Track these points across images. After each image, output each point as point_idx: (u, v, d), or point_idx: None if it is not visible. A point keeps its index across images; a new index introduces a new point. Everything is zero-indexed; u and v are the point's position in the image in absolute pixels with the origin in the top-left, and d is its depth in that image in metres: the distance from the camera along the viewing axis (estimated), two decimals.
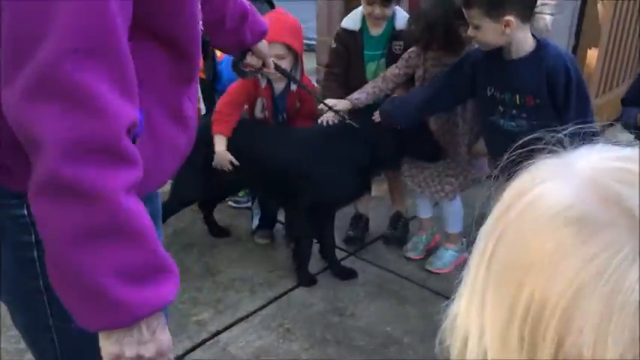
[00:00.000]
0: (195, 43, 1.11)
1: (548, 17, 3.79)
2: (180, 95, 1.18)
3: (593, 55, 4.01)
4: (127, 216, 0.90)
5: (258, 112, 3.02)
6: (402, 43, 2.92)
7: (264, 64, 1.86)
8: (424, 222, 3.24)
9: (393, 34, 2.95)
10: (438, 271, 3.06)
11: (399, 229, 3.32)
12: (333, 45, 3.04)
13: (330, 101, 2.81)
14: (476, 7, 2.24)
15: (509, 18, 2.20)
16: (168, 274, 0.98)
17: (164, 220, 3.11)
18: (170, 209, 3.03)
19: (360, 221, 3.35)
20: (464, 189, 2.96)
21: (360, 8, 2.98)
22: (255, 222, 3.37)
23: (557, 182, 0.48)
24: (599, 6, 3.91)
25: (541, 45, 2.32)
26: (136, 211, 0.92)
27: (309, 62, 4.01)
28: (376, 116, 2.75)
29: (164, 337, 1.01)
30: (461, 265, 2.87)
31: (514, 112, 2.39)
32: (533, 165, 0.53)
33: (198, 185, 2.98)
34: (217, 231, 3.38)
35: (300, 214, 2.84)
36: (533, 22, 3.68)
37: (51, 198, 0.88)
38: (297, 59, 2.88)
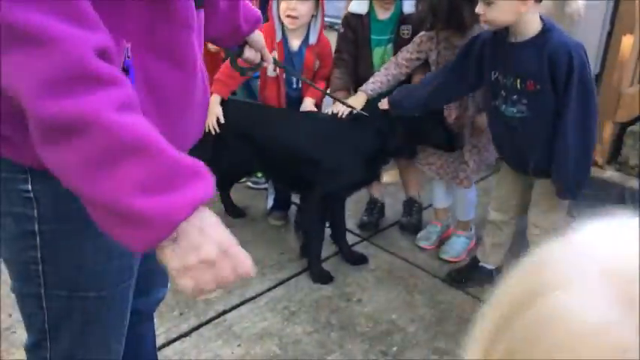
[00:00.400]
0: None
1: (581, 2, 3.65)
2: (177, 40, 1.15)
3: (628, 42, 3.84)
4: (124, 132, 0.89)
5: (270, 71, 2.95)
6: (410, 27, 2.86)
7: (262, 58, 1.81)
8: (439, 212, 3.20)
9: (400, 19, 2.88)
10: (452, 259, 3.04)
11: (414, 216, 3.29)
12: (341, 30, 2.98)
13: (347, 100, 2.78)
14: None
15: None
16: (195, 176, 0.97)
17: None
18: None
19: (375, 207, 3.33)
20: (479, 175, 2.91)
21: None
22: (270, 202, 3.38)
23: (576, 290, 0.40)
24: None
25: (546, 29, 2.23)
26: (133, 124, 0.91)
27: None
28: (383, 103, 2.72)
29: (216, 231, 1.01)
30: (472, 251, 2.85)
31: (515, 97, 2.32)
32: (536, 253, 0.45)
33: (209, 167, 2.99)
34: (233, 211, 3.41)
35: (312, 204, 2.82)
36: (563, 7, 3.61)
37: (49, 144, 0.89)
38: (317, 4, 2.86)
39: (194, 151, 3.17)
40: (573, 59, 2.16)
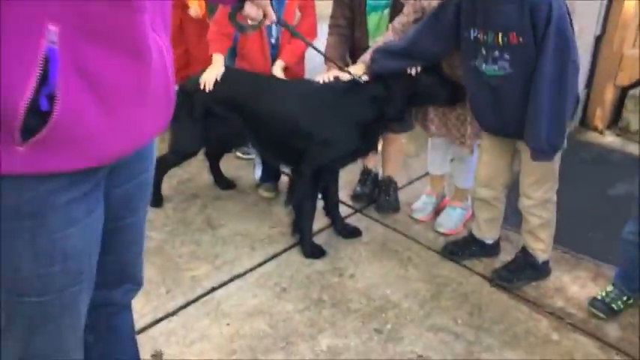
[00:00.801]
0: None
1: None
2: (121, 24, 1.03)
3: (629, 3, 3.70)
4: None
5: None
6: None
7: (264, 16, 1.68)
8: (435, 180, 3.10)
9: None
10: (448, 232, 2.96)
11: (392, 195, 3.15)
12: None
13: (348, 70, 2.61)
14: None
15: None
16: None
17: (164, 173, 3.08)
18: (170, 162, 2.95)
19: (368, 177, 3.23)
20: (479, 137, 2.75)
21: None
22: (258, 173, 3.28)
23: None
24: None
25: None
26: None
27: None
28: (358, 67, 2.59)
29: None
30: (469, 222, 2.76)
31: (496, 53, 2.22)
32: None
33: (197, 137, 2.87)
34: (222, 182, 3.31)
35: (304, 177, 2.68)
36: None
37: None
38: None
39: (182, 122, 3.02)
40: (552, 10, 2.09)
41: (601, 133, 4.03)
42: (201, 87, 2.73)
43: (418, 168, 3.51)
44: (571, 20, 2.17)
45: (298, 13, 2.80)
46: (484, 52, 2.27)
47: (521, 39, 2.15)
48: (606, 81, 3.91)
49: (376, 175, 3.26)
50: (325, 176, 2.75)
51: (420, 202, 3.13)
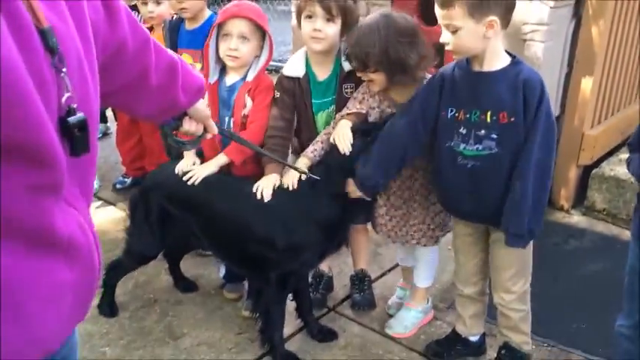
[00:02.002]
0: (49, 145, 0.81)
1: (539, 44, 3.54)
2: (48, 213, 0.86)
3: (587, 83, 3.75)
4: None
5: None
6: (353, 84, 2.56)
7: (205, 129, 1.52)
8: (407, 271, 2.92)
9: (341, 77, 2.56)
10: (398, 336, 2.74)
11: (367, 290, 2.94)
12: (277, 94, 2.59)
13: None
14: (457, 6, 1.99)
15: (494, 18, 1.99)
16: None
17: (119, 279, 2.82)
18: (125, 266, 2.71)
19: (321, 281, 2.98)
20: (442, 232, 2.63)
21: (302, 50, 2.61)
22: (222, 271, 3.04)
23: None
24: (593, 31, 3.67)
25: (517, 60, 2.13)
26: None
27: None
28: (350, 185, 2.37)
29: None
30: (426, 327, 2.53)
31: (482, 132, 2.12)
32: None
33: (155, 240, 2.65)
34: (183, 285, 3.06)
35: (270, 286, 2.44)
36: (523, 51, 3.48)
37: None
38: (263, 40, 2.55)
39: (139, 224, 2.75)
40: (544, 89, 2.07)
41: (567, 212, 3.99)
42: (190, 182, 2.48)
43: (391, 257, 3.34)
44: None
45: (248, 99, 2.56)
46: (463, 131, 2.15)
47: (512, 119, 2.07)
48: (569, 160, 3.91)
49: (330, 277, 3.04)
50: (294, 281, 2.53)
51: (394, 297, 2.95)
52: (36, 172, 0.80)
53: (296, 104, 2.60)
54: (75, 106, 0.87)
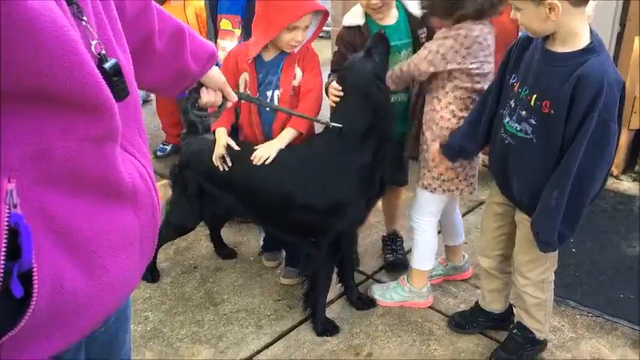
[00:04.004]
0: (101, 92, 0.81)
1: (590, 2, 3.36)
2: (112, 162, 0.87)
3: None
4: None
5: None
6: (425, 30, 2.55)
7: (224, 97, 1.47)
8: (447, 250, 2.87)
9: (412, 22, 2.55)
10: (376, 299, 2.69)
11: (400, 251, 2.96)
12: (336, 48, 2.60)
13: None
14: None
15: (554, 1, 1.74)
16: None
17: (158, 248, 2.86)
18: (164, 236, 2.73)
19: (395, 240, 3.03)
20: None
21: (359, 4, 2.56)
22: (261, 240, 3.06)
23: None
24: None
25: (590, 48, 1.82)
26: None
27: (326, 52, 3.67)
28: (435, 154, 2.33)
29: None
30: (466, 296, 2.40)
31: (524, 113, 1.97)
32: None
33: (193, 214, 2.66)
34: (223, 251, 3.09)
35: (320, 249, 2.44)
36: None
37: None
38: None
39: (177, 197, 2.73)
40: (602, 94, 1.76)
41: (617, 178, 3.85)
42: (220, 168, 2.44)
43: None
44: (622, 105, 1.85)
45: (300, 72, 2.50)
46: (513, 104, 2.02)
47: (552, 111, 1.88)
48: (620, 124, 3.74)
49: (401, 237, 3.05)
50: (345, 243, 2.52)
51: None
52: (96, 122, 0.81)
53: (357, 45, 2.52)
54: (104, 52, 0.87)
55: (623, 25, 3.60)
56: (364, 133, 2.32)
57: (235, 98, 1.51)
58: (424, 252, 2.63)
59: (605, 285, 2.79)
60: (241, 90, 2.48)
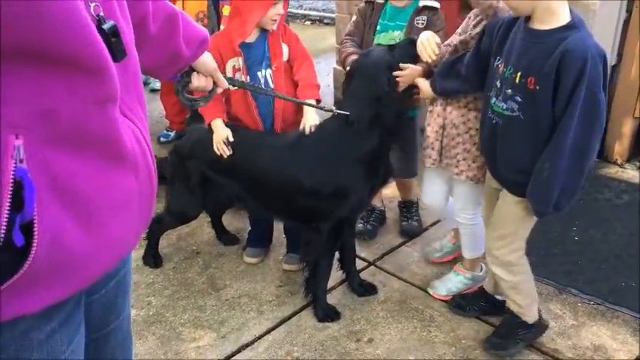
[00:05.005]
0: (100, 53, 0.83)
1: None
2: (115, 124, 0.90)
3: None
4: None
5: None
6: (424, 18, 2.70)
7: (214, 83, 1.49)
8: (455, 231, 2.87)
9: (416, 9, 2.72)
10: (438, 297, 2.68)
11: (414, 217, 3.16)
12: (354, 17, 2.85)
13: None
14: None
15: None
16: None
17: (161, 234, 2.87)
18: (166, 224, 2.74)
19: (372, 213, 3.17)
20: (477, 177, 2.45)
21: None
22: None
23: None
24: None
25: (571, 24, 1.86)
26: None
27: (330, 38, 3.66)
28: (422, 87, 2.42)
29: None
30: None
31: (509, 91, 1.99)
32: None
33: (196, 203, 2.66)
34: (225, 237, 3.10)
35: (321, 235, 2.45)
36: None
37: None
38: None
39: (179, 187, 2.74)
40: (586, 66, 1.78)
41: (621, 166, 3.84)
42: (222, 156, 2.45)
43: (434, 213, 3.30)
44: (606, 76, 1.86)
45: (286, 47, 2.56)
46: (498, 84, 2.05)
47: (538, 87, 1.89)
48: (624, 113, 3.73)
49: (381, 211, 3.22)
50: (345, 229, 2.52)
51: (438, 243, 2.97)
52: (99, 84, 0.84)
53: (365, 25, 2.80)
54: (102, 14, 0.88)
55: (629, 11, 3.56)
56: (371, 120, 2.33)
57: (226, 84, 1.53)
58: (476, 242, 2.58)
59: (607, 273, 2.79)
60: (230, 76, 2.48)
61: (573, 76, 1.81)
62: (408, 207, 3.18)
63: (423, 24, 2.69)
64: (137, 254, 2.90)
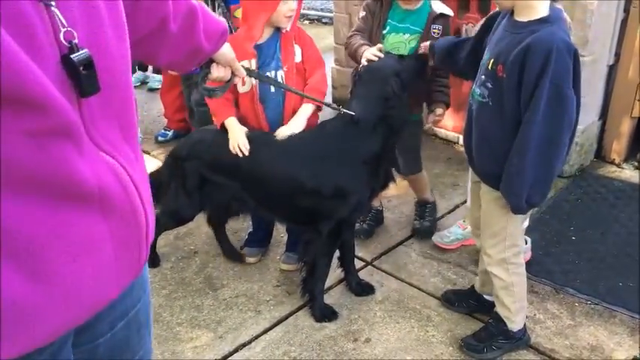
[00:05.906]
0: (38, 87, 0.74)
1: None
2: (65, 161, 0.80)
3: None
4: None
5: (241, 87, 2.50)
6: (440, 27, 2.72)
7: (233, 73, 1.50)
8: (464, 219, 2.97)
9: (430, 16, 2.72)
10: (442, 245, 2.95)
11: (427, 218, 3.16)
12: (362, 14, 2.82)
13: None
14: None
15: None
16: None
17: (157, 235, 2.85)
18: (162, 225, 2.72)
19: (369, 214, 3.17)
20: None
21: None
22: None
23: None
24: None
25: (545, 18, 1.88)
26: None
27: (329, 37, 3.65)
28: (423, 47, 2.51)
29: None
30: (468, 247, 2.42)
31: (483, 77, 2.04)
32: None
33: (192, 206, 2.64)
34: (229, 251, 3.00)
35: (321, 236, 2.44)
36: None
37: None
38: None
39: (175, 191, 2.72)
40: (550, 60, 1.79)
41: (618, 166, 3.84)
42: (239, 154, 2.42)
43: (446, 205, 3.42)
44: (577, 72, 1.86)
45: (299, 49, 2.53)
46: (480, 71, 2.09)
47: (504, 74, 1.92)
48: (622, 112, 3.73)
49: (378, 211, 3.22)
50: (345, 231, 2.52)
51: (447, 230, 3.03)
52: (31, 116, 0.74)
53: (373, 22, 2.79)
54: (76, 41, 0.79)
55: (627, 11, 3.56)
56: (376, 122, 2.34)
57: (244, 73, 1.55)
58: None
59: (605, 273, 2.79)
60: (242, 85, 2.50)
61: (537, 68, 1.82)
62: (422, 207, 3.18)
63: (438, 34, 2.71)
64: (144, 258, 2.89)
